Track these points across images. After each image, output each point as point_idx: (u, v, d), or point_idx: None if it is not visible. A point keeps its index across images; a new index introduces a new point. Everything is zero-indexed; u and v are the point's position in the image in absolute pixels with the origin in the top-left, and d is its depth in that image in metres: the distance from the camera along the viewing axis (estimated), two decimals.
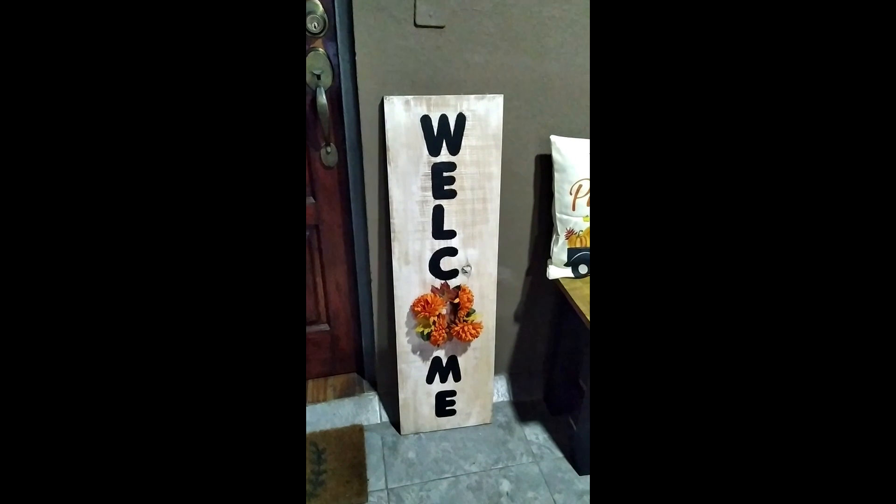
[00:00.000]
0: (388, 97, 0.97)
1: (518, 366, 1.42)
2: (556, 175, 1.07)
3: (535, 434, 1.30)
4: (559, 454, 1.24)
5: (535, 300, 1.31)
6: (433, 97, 0.99)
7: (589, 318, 1.00)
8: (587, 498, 1.13)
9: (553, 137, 1.05)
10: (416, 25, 0.93)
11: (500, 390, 1.41)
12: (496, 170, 1.07)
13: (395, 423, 1.29)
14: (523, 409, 1.38)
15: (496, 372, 1.39)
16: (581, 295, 1.08)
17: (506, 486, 1.15)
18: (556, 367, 1.33)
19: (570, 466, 1.21)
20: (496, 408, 1.38)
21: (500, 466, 1.20)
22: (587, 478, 1.18)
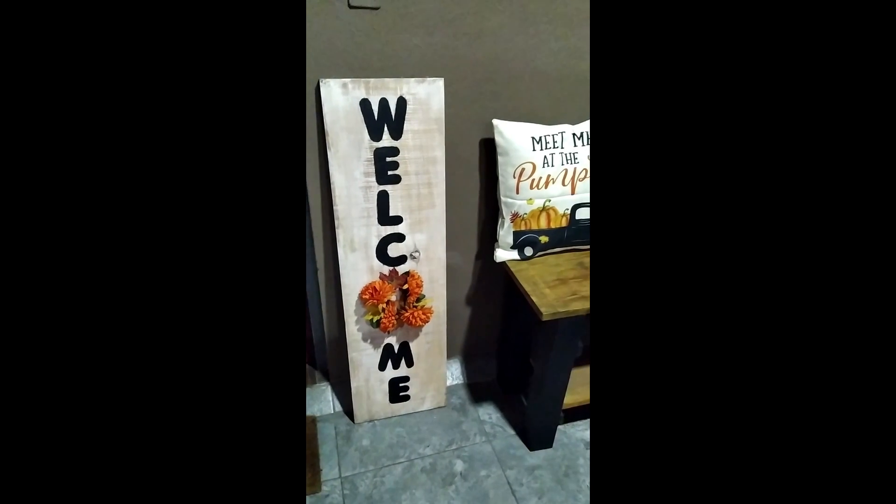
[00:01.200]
0: (323, 80, 0.94)
1: (471, 348, 1.44)
2: (500, 159, 1.08)
3: (489, 414, 1.33)
4: (511, 432, 1.27)
5: (485, 283, 1.32)
6: (372, 80, 0.96)
7: (533, 298, 1.02)
8: (538, 472, 1.17)
9: (495, 121, 1.05)
10: (350, 7, 0.91)
11: (454, 373, 1.43)
12: (440, 154, 1.06)
13: (349, 412, 1.29)
14: (477, 391, 1.40)
15: (450, 355, 1.40)
16: (527, 276, 1.10)
17: (459, 465, 1.18)
18: (507, 348, 1.35)
19: (521, 443, 1.24)
20: (451, 391, 1.39)
21: (454, 447, 1.22)
22: (538, 453, 1.22)
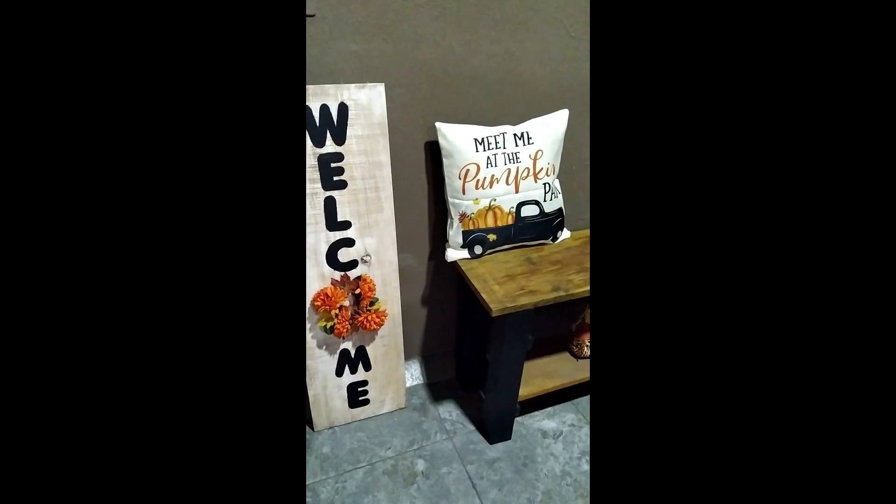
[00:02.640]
0: None
1: (430, 348, 1.45)
2: (445, 161, 1.10)
3: (449, 412, 1.35)
4: (471, 427, 1.30)
5: (439, 282, 1.34)
6: (311, 87, 0.96)
7: (483, 295, 1.05)
8: (497, 465, 1.20)
9: (438, 124, 1.07)
10: None
11: (413, 374, 1.44)
12: (385, 158, 1.07)
13: (308, 420, 1.28)
14: (437, 390, 1.42)
15: (409, 357, 1.42)
16: (477, 274, 1.13)
17: (421, 465, 1.19)
18: (464, 345, 1.38)
19: (481, 437, 1.27)
20: (411, 391, 1.41)
21: (415, 448, 1.23)
22: (497, 446, 1.25)
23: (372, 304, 1.16)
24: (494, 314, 1.02)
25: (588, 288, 1.10)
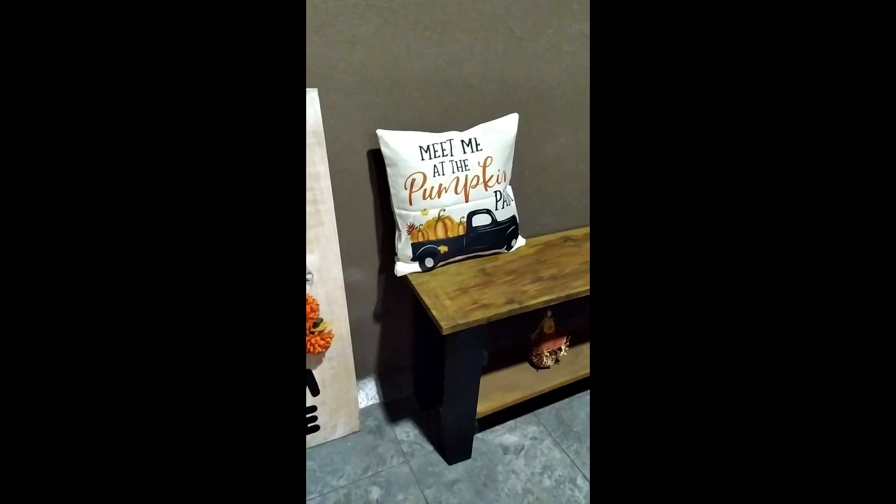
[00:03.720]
0: None
1: (385, 365, 1.38)
2: (389, 170, 1.03)
3: (406, 432, 1.28)
4: (429, 447, 1.24)
5: (392, 296, 1.28)
6: None
7: (434, 312, 0.99)
8: (457, 487, 1.15)
9: (380, 132, 1.01)
10: None
11: (368, 394, 1.37)
12: (323, 168, 1.00)
13: None
14: (394, 409, 1.35)
15: (363, 375, 1.34)
16: (428, 289, 1.07)
17: (375, 493, 1.12)
18: (422, 360, 1.32)
19: (440, 458, 1.21)
20: (366, 413, 1.33)
21: (369, 474, 1.16)
22: (456, 466, 1.20)
23: (316, 325, 1.08)
24: (445, 332, 0.96)
25: (542, 299, 1.05)
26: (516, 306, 1.03)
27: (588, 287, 1.11)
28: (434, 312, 0.99)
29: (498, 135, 1.10)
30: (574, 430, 1.31)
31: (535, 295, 1.07)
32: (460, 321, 0.97)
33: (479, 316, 0.99)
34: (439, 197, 1.06)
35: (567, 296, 1.08)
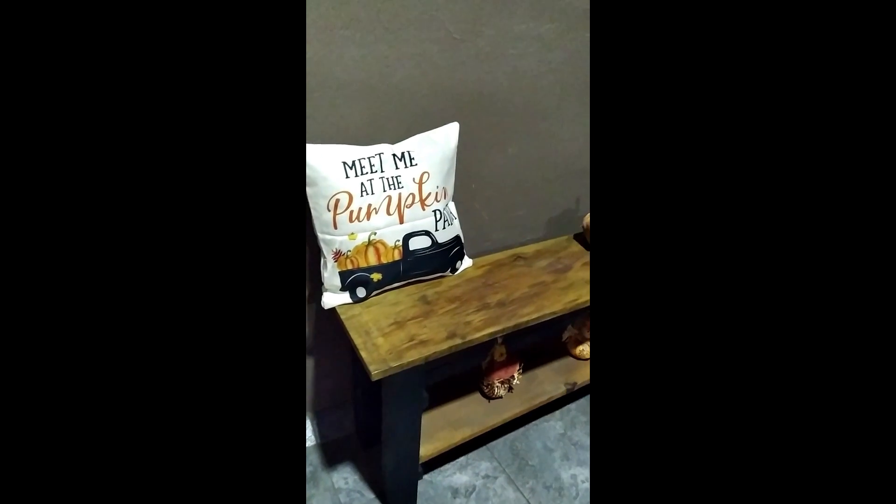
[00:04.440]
0: None
1: (322, 402, 1.24)
2: (309, 190, 0.90)
3: (345, 478, 1.15)
4: (371, 495, 1.11)
5: (325, 327, 1.14)
6: None
7: (363, 353, 0.87)
8: None
9: None
10: None
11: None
12: None
13: None
14: (333, 450, 1.22)
15: None
16: (358, 324, 0.94)
17: None
18: (362, 395, 1.19)
19: None
20: None
21: None
22: None
23: None
24: (375, 377, 0.84)
25: (487, 331, 0.95)
26: (458, 341, 0.91)
27: (538, 314, 1.00)
28: (363, 354, 0.86)
29: (435, 147, 0.98)
30: (530, 464, 1.21)
31: (480, 326, 0.96)
32: (393, 364, 0.85)
33: (415, 356, 0.87)
34: (368, 219, 0.93)
35: (515, 325, 0.98)
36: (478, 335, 0.93)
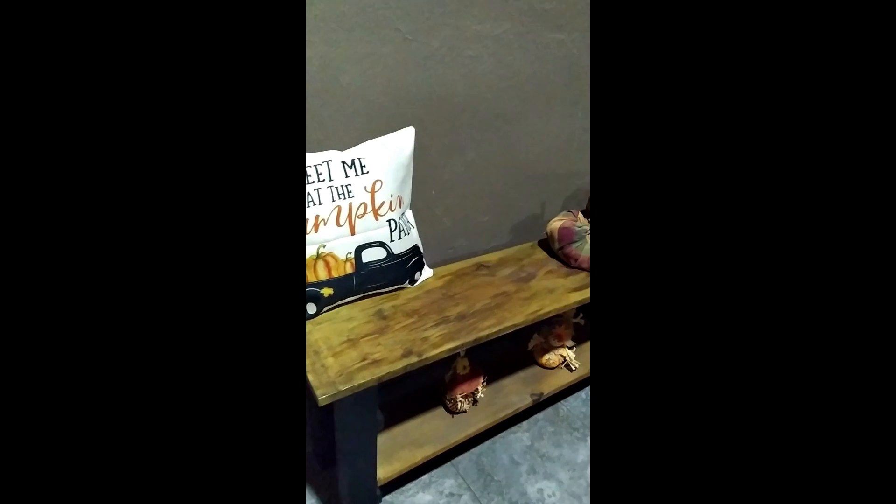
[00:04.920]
0: None
1: None
2: None
3: None
4: None
5: None
6: None
7: (310, 376, 0.81)
8: None
9: None
10: None
11: None
12: None
13: None
14: None
15: None
16: (308, 342, 0.88)
17: None
18: (317, 414, 1.13)
19: None
20: None
21: None
22: None
23: None
24: (322, 402, 0.78)
25: (445, 347, 0.90)
26: (414, 360, 0.86)
27: (498, 327, 0.96)
28: (310, 377, 0.81)
29: (389, 153, 0.93)
30: (496, 479, 1.17)
31: (438, 342, 0.91)
32: (342, 387, 0.79)
33: (366, 377, 0.82)
34: (316, 231, 0.87)
35: (475, 340, 0.93)
36: (435, 352, 0.89)
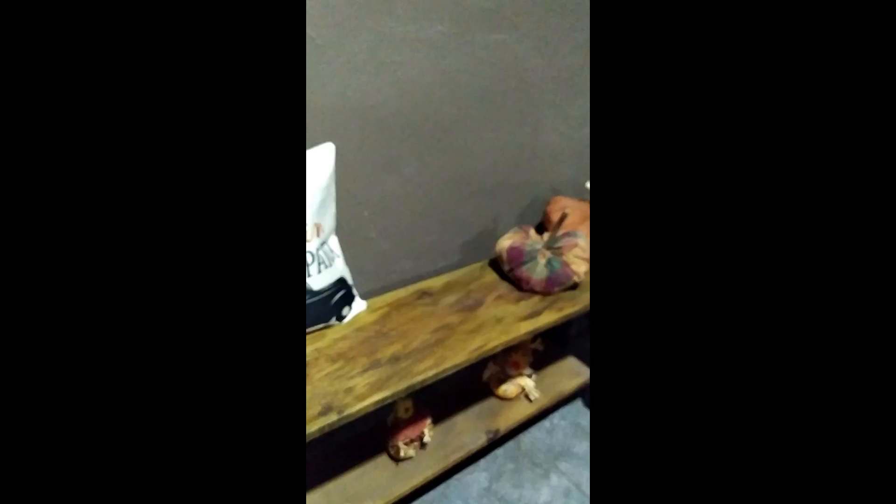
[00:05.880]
0: None
1: None
2: None
3: None
4: None
5: None
6: None
7: None
8: None
9: None
10: None
11: None
12: None
13: None
14: None
15: None
16: None
17: None
18: None
19: None
20: None
21: None
22: None
23: None
24: None
25: (372, 400, 0.78)
26: (334, 418, 0.74)
27: (436, 370, 0.84)
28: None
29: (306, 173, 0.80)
30: None
31: (364, 393, 0.78)
32: None
33: None
34: None
35: (407, 388, 0.81)
36: (359, 406, 0.76)
